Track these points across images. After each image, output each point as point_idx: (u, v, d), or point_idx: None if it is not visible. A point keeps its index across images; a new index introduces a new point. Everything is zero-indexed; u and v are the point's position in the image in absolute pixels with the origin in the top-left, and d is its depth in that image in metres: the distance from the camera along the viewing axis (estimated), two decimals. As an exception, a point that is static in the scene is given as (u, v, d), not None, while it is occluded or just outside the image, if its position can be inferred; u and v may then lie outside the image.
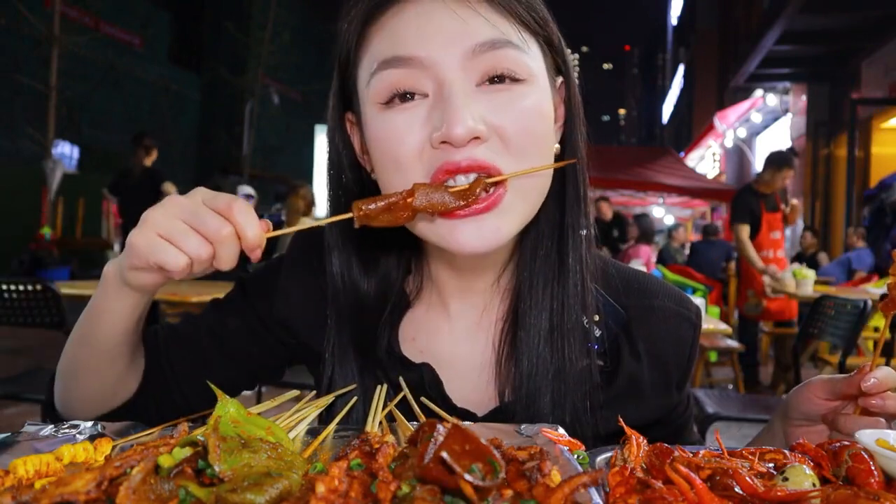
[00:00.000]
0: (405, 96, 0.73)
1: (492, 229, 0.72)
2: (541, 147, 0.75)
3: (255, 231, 0.66)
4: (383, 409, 0.76)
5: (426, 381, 0.85)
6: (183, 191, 0.75)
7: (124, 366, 0.85)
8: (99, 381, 0.85)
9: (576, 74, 0.85)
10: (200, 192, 0.69)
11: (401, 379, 0.84)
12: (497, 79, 0.72)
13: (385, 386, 0.83)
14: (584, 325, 0.83)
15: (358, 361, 0.87)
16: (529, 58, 0.74)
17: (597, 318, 0.84)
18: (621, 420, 0.65)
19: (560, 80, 0.82)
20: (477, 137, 0.70)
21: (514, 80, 0.73)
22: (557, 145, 0.81)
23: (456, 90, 0.70)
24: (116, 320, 0.78)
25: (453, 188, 0.70)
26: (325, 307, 0.90)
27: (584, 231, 0.84)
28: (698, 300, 3.22)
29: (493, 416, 0.83)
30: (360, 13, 0.76)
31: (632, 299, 0.88)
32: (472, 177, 0.71)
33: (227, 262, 0.67)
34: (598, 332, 0.84)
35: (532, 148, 0.73)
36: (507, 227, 0.74)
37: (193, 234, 0.66)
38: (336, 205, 0.86)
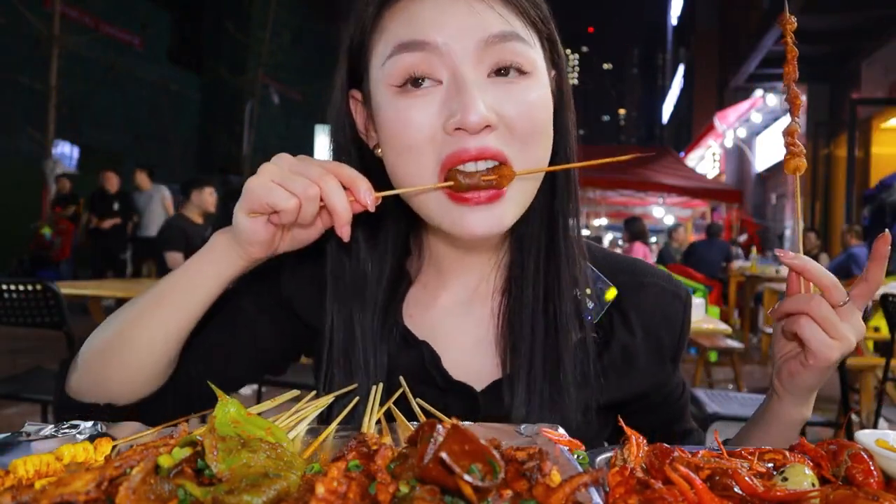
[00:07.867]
0: (418, 81, 0.76)
1: (497, 216, 0.77)
2: (544, 137, 0.80)
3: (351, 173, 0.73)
4: (380, 408, 0.76)
5: (426, 358, 0.87)
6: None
7: (175, 351, 0.83)
8: (152, 358, 0.82)
9: (574, 69, 0.87)
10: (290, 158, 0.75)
11: (401, 378, 0.85)
12: (504, 70, 0.77)
13: (381, 385, 0.83)
14: (576, 296, 0.87)
15: (357, 339, 0.88)
16: (534, 52, 0.79)
17: (588, 291, 0.88)
18: (621, 420, 0.65)
19: (553, 72, 0.86)
20: (488, 126, 0.74)
21: (521, 72, 0.77)
22: None
23: (470, 80, 0.74)
24: (210, 284, 0.80)
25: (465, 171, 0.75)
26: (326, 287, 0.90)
27: (573, 216, 0.88)
28: (698, 300, 3.23)
29: (491, 389, 0.85)
30: None
31: (621, 276, 0.92)
32: (482, 164, 0.75)
33: (340, 204, 0.71)
34: (590, 305, 0.88)
35: (536, 138, 0.78)
36: (510, 215, 0.79)
37: (301, 177, 0.71)
38: None
